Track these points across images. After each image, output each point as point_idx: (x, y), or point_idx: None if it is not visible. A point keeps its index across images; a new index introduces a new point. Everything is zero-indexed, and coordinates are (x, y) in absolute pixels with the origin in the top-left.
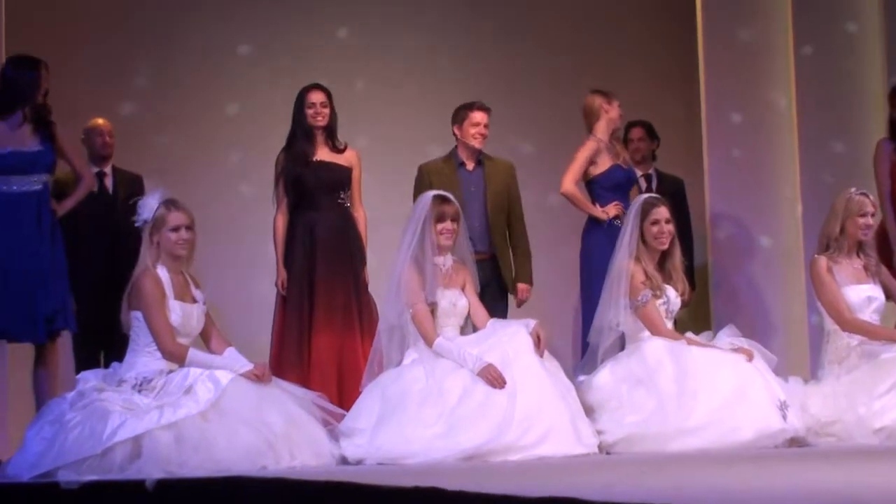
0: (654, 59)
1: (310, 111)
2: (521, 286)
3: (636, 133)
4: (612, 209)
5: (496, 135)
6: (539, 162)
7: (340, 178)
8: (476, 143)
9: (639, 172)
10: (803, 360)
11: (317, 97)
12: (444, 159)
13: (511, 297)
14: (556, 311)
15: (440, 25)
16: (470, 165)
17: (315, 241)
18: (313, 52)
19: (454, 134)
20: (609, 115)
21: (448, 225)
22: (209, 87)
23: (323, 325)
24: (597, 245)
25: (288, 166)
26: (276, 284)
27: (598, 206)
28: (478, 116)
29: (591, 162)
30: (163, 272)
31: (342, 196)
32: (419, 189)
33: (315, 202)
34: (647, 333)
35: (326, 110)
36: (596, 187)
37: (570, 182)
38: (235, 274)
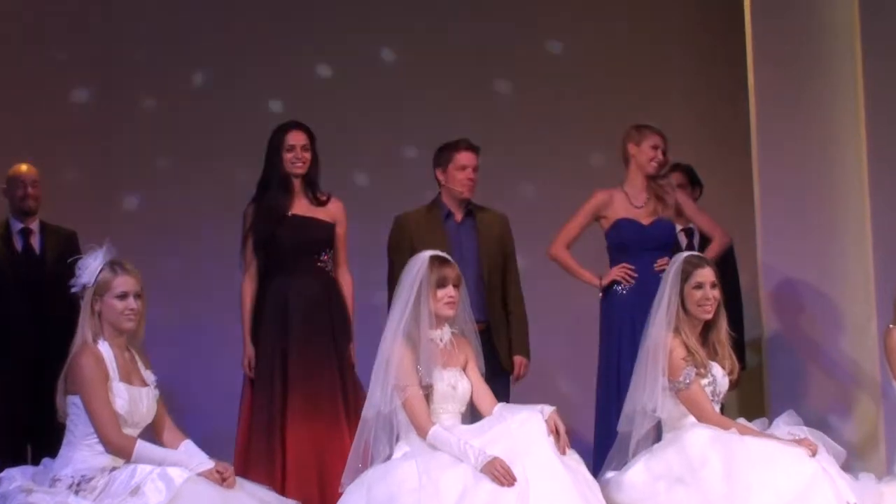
0: (695, 89)
1: (288, 155)
2: (517, 359)
3: (674, 178)
4: (612, 273)
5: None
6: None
7: (321, 237)
8: (464, 191)
9: (677, 227)
10: (877, 453)
11: (298, 139)
12: (427, 208)
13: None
14: (579, 393)
15: (452, 52)
16: (458, 216)
17: (289, 312)
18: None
19: (437, 179)
20: (637, 160)
21: (451, 291)
22: (160, 126)
23: (299, 414)
24: (607, 316)
25: (258, 222)
26: (243, 365)
27: (608, 269)
28: (464, 158)
29: (599, 216)
30: (105, 348)
31: (323, 258)
32: (397, 245)
33: (290, 265)
34: (690, 420)
35: (308, 155)
36: (607, 247)
37: (559, 244)
38: (194, 352)
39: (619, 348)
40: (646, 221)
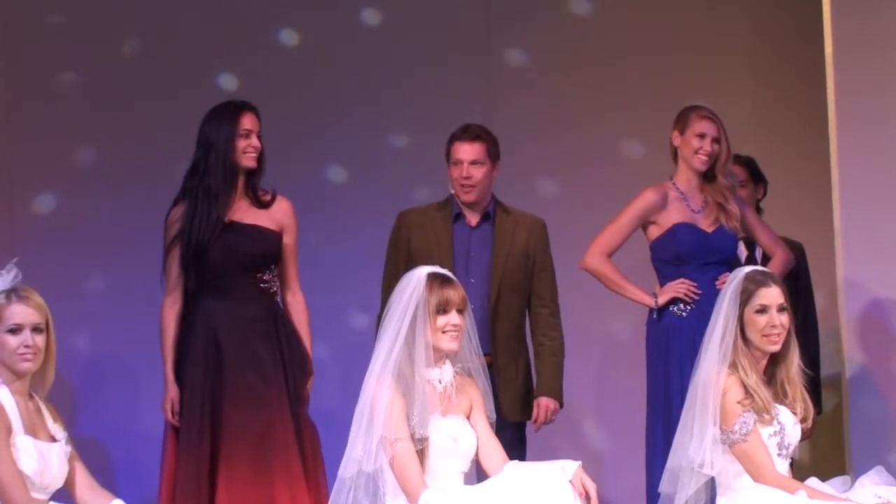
0: (759, 62)
1: (243, 142)
2: (542, 401)
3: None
4: (668, 290)
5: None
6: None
7: (264, 251)
8: (459, 193)
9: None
10: None
11: (253, 123)
12: (438, 206)
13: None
14: (610, 442)
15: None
16: (472, 219)
17: (222, 345)
18: None
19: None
20: (682, 152)
21: (454, 318)
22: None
23: (233, 472)
24: (660, 345)
25: (192, 226)
26: (164, 408)
27: (657, 286)
28: (458, 151)
29: (648, 221)
30: (5, 395)
31: (266, 277)
32: (393, 251)
33: (222, 287)
34: (747, 479)
35: (259, 144)
36: (654, 259)
37: (595, 251)
38: (117, 397)
39: (681, 385)
40: (708, 229)
